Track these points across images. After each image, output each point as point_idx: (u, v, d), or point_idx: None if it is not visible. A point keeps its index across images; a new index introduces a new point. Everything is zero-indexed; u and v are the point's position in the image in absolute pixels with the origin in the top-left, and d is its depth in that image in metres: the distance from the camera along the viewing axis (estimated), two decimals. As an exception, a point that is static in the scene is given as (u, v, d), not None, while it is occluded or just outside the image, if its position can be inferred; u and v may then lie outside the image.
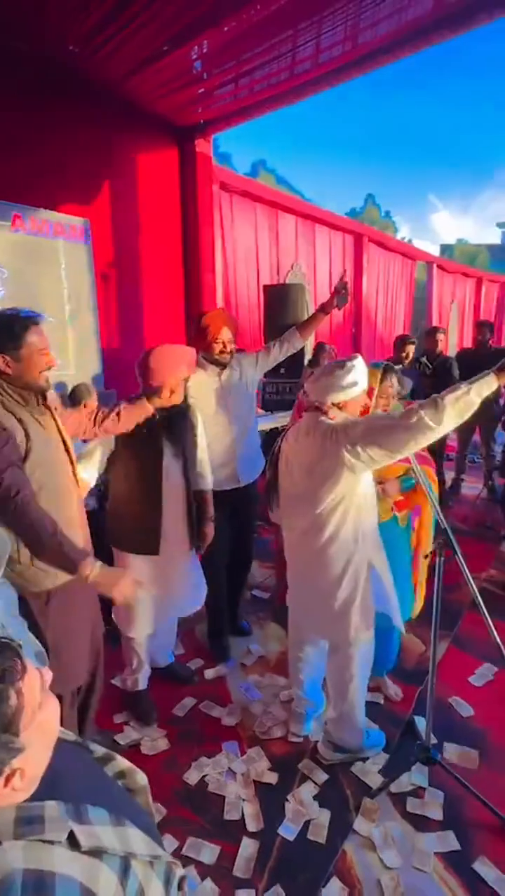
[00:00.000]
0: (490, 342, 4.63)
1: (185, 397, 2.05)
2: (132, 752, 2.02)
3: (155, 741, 2.08)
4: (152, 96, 4.84)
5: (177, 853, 1.64)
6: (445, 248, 25.81)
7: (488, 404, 4.40)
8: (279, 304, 5.05)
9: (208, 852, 1.64)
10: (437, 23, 3.85)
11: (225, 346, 2.34)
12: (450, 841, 1.65)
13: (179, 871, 0.66)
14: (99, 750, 0.75)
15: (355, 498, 1.73)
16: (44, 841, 0.52)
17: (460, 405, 1.52)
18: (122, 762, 0.77)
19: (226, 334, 2.33)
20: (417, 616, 2.32)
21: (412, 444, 1.56)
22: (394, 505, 2.14)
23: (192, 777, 1.91)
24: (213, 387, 2.39)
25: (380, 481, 2.07)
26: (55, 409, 1.64)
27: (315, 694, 2.13)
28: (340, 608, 1.80)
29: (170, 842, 1.67)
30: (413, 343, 4.29)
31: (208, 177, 5.83)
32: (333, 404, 1.72)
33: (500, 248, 29.16)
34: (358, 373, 1.70)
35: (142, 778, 0.77)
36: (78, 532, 1.64)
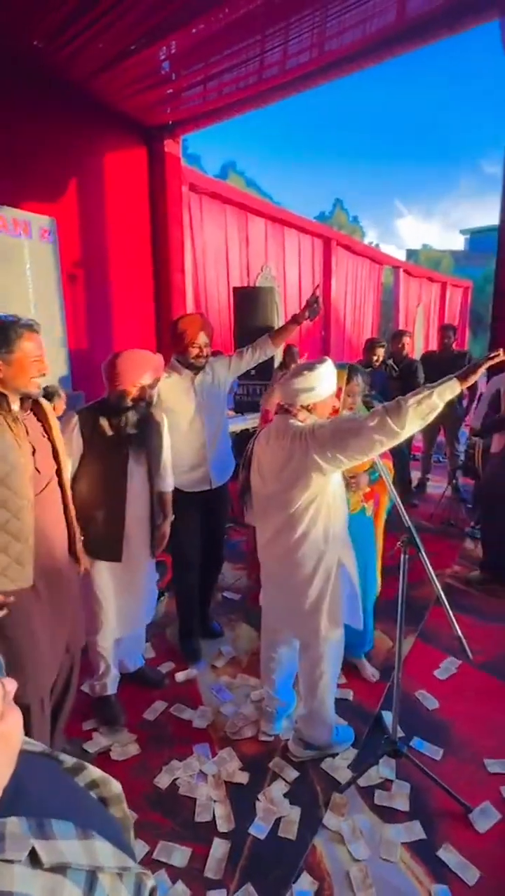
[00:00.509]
0: (453, 345, 4.77)
1: (151, 402, 2.04)
2: (102, 758, 2.00)
3: (125, 746, 2.06)
4: (120, 95, 4.80)
5: (148, 858, 1.63)
6: (411, 254, 26.45)
7: (452, 406, 4.56)
8: (249, 306, 5.09)
9: (179, 855, 1.64)
10: (400, 35, 3.96)
11: (201, 351, 2.35)
12: (416, 830, 1.70)
13: (150, 882, 0.65)
14: (69, 760, 0.74)
15: (325, 498, 1.76)
16: (3, 860, 0.51)
17: (423, 408, 1.56)
18: (93, 771, 0.76)
19: (202, 339, 2.34)
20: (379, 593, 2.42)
21: (378, 447, 1.60)
22: (363, 496, 2.21)
23: (162, 781, 1.90)
24: (186, 390, 2.39)
25: (353, 476, 2.15)
26: (48, 415, 1.65)
27: (286, 693, 2.16)
28: (310, 607, 1.83)
29: (141, 847, 1.66)
30: (382, 346, 4.38)
31: (177, 177, 5.81)
32: (302, 406, 1.75)
33: (463, 254, 30.07)
34: (326, 375, 1.73)
35: (116, 786, 0.77)
36: (53, 540, 1.63)
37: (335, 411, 1.98)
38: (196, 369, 2.38)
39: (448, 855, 1.62)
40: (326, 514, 1.77)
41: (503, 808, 1.77)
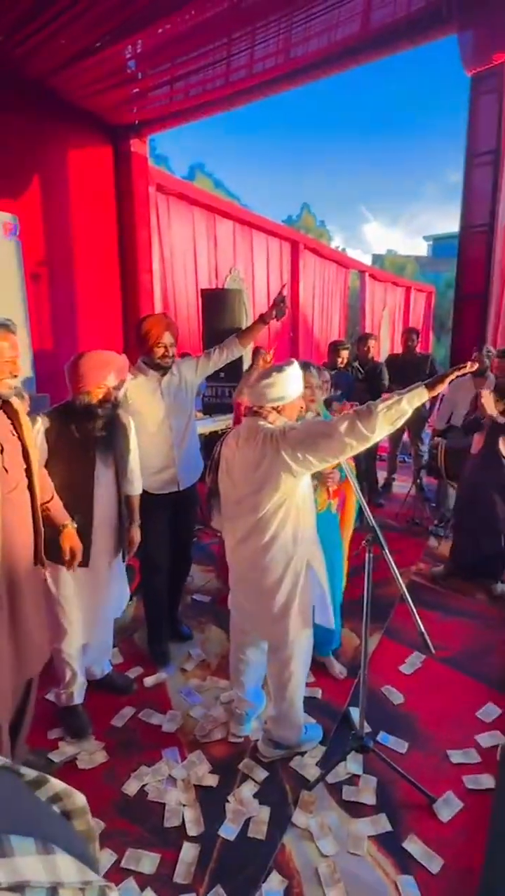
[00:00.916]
0: (417, 348, 4.91)
1: (117, 404, 2.02)
2: (68, 768, 1.96)
3: (92, 755, 2.02)
4: (85, 93, 4.73)
5: (115, 866, 1.61)
6: (376, 258, 27.01)
7: (417, 407, 4.68)
8: (217, 308, 5.08)
9: (148, 862, 1.62)
10: (364, 45, 4.05)
11: (167, 351, 2.34)
12: (383, 823, 1.73)
13: (113, 895, 0.65)
14: (30, 773, 0.72)
15: (294, 500, 1.77)
16: None
17: (392, 413, 1.60)
18: (56, 784, 0.75)
19: (167, 339, 2.33)
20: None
21: (348, 450, 1.63)
22: (328, 493, 2.25)
23: (131, 787, 1.88)
24: (153, 391, 2.37)
25: (327, 473, 2.16)
26: (19, 413, 1.61)
27: (255, 695, 2.17)
28: (279, 609, 1.84)
29: (108, 856, 1.63)
30: (346, 348, 4.45)
31: (144, 177, 5.77)
32: (272, 408, 1.76)
33: (427, 260, 30.91)
34: (293, 377, 1.75)
35: (79, 799, 0.75)
36: (18, 544, 1.59)
37: (302, 411, 2.02)
38: (162, 370, 2.37)
39: (413, 846, 1.66)
40: (295, 517, 1.79)
41: (465, 797, 1.83)
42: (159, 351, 2.32)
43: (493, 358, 3.72)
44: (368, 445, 1.64)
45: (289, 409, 1.81)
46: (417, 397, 1.63)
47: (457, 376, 1.70)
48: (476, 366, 3.05)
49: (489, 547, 3.21)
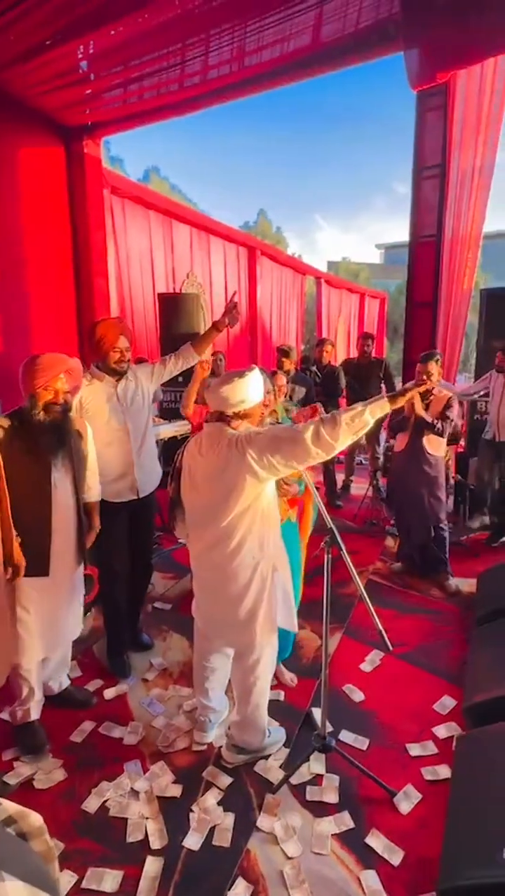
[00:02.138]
0: (372, 352, 5.05)
1: (69, 409, 1.98)
2: (24, 789, 1.88)
3: (49, 773, 1.95)
4: (35, 91, 4.61)
5: (76, 888, 1.56)
6: (331, 265, 27.59)
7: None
8: (175, 313, 5.06)
9: (110, 880, 1.58)
10: (315, 57, 4.15)
11: (122, 355, 2.31)
12: (346, 821, 1.76)
13: None
14: None
15: (260, 505, 1.77)
16: None
17: (356, 424, 1.65)
18: (9, 807, 0.72)
19: (122, 343, 2.30)
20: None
21: (313, 456, 1.66)
22: (287, 503, 2.26)
23: (91, 805, 1.83)
24: (109, 397, 2.33)
25: (286, 483, 2.19)
26: None
27: (220, 701, 2.16)
28: (246, 616, 1.83)
29: (68, 877, 1.58)
30: (288, 355, 4.40)
31: (98, 180, 5.67)
32: (234, 414, 1.75)
33: (379, 267, 31.86)
34: (256, 382, 1.75)
35: (35, 819, 0.73)
36: None
37: (262, 416, 2.04)
38: (118, 375, 2.33)
39: (375, 840, 1.69)
40: (261, 522, 1.79)
41: (424, 788, 1.88)
42: (115, 356, 2.29)
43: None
44: (331, 454, 1.68)
45: (252, 414, 1.81)
46: (379, 409, 1.69)
47: (418, 392, 1.80)
48: (436, 383, 3.24)
49: (420, 539, 3.40)
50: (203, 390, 3.82)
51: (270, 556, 1.83)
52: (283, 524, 2.18)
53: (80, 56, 4.17)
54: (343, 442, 1.66)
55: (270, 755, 2.02)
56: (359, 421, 1.65)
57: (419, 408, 3.19)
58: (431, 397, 3.30)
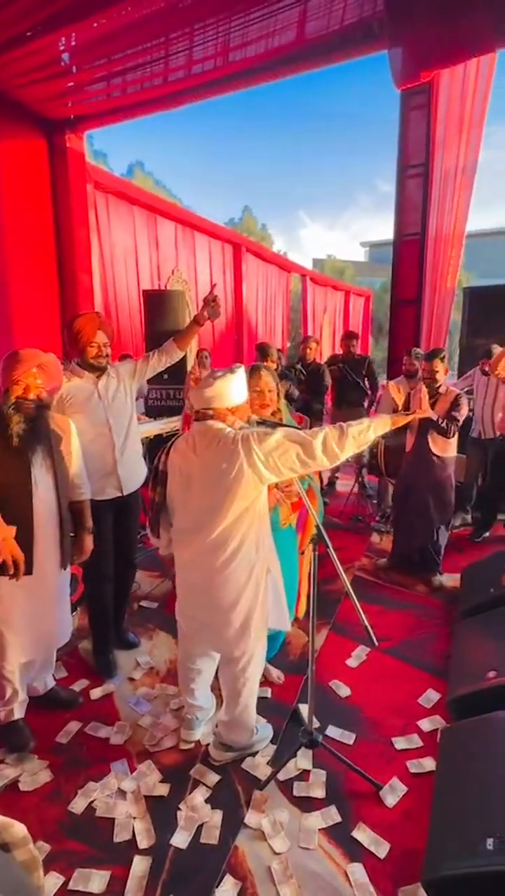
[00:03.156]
0: (356, 350, 5.07)
1: (43, 405, 1.94)
2: (10, 792, 1.86)
3: (35, 775, 1.93)
4: (16, 83, 4.53)
5: (63, 890, 1.55)
6: (317, 263, 27.63)
7: (359, 406, 4.84)
8: (160, 309, 5.01)
9: (98, 880, 1.57)
10: (300, 54, 4.15)
11: (100, 350, 2.28)
12: (332, 815, 1.78)
13: None
14: None
15: (259, 505, 1.75)
16: None
17: (361, 438, 1.71)
18: None
19: (101, 338, 2.27)
20: (302, 615, 2.45)
21: (317, 465, 1.68)
22: (291, 507, 2.21)
23: (78, 806, 1.81)
24: (90, 393, 2.30)
25: (288, 485, 2.10)
26: None
27: (206, 699, 2.15)
28: (240, 623, 1.80)
29: (55, 879, 1.57)
30: (270, 354, 4.38)
31: (81, 174, 5.60)
32: (228, 409, 1.74)
33: (365, 265, 32.01)
34: (239, 381, 1.75)
35: (19, 830, 0.73)
36: None
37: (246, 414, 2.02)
38: (97, 370, 2.31)
39: (361, 833, 1.71)
40: (259, 523, 1.77)
41: (409, 781, 1.91)
42: (92, 351, 2.26)
43: (420, 360, 3.92)
44: (334, 464, 1.70)
45: (241, 412, 1.79)
46: (381, 427, 1.77)
47: (418, 418, 1.86)
48: (442, 381, 3.21)
49: (423, 540, 3.38)
50: (187, 391, 3.78)
51: (264, 557, 1.82)
52: (284, 529, 2.18)
53: (61, 48, 4.10)
54: (347, 453, 1.69)
55: (257, 752, 2.03)
56: (364, 436, 1.71)
57: (426, 405, 3.07)
58: (438, 395, 3.24)
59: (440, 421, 3.15)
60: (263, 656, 1.98)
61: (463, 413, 3.21)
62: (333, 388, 5.00)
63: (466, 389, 4.42)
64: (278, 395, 2.27)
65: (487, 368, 4.08)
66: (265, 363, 4.17)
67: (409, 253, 4.48)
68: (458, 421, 3.18)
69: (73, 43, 4.04)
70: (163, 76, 4.48)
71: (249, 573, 1.78)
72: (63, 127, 5.34)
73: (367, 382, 4.99)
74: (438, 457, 3.26)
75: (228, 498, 1.67)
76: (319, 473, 4.90)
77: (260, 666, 1.96)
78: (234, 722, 1.97)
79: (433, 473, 3.28)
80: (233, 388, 1.73)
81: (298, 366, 4.67)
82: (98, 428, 2.31)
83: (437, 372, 3.21)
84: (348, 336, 5.13)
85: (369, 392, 5.04)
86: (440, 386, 3.27)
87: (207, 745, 2.06)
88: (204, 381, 1.73)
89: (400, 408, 3.63)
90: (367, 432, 1.70)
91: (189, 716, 2.11)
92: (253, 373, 2.17)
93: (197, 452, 1.74)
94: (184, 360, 4.87)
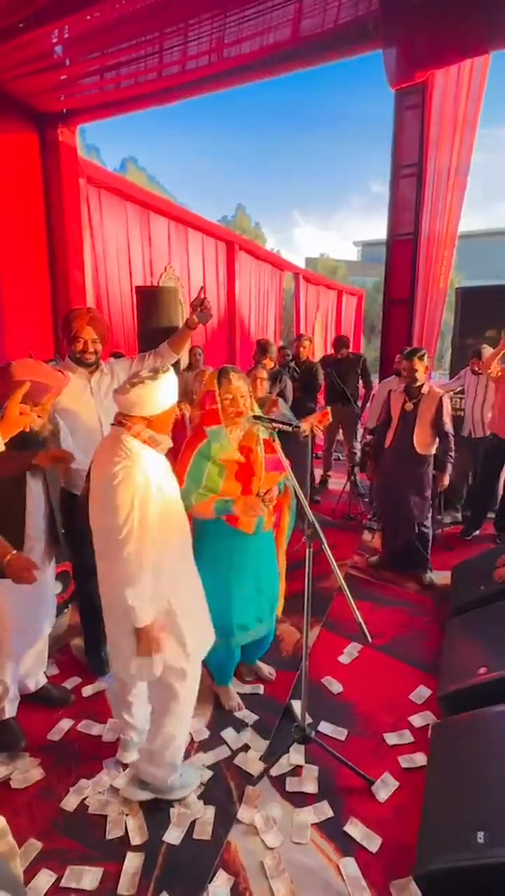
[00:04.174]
0: (348, 354, 5.06)
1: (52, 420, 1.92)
2: (1, 789, 1.85)
3: (27, 773, 1.92)
4: (7, 75, 4.48)
5: (54, 887, 1.54)
6: (309, 261, 27.65)
7: (350, 407, 4.85)
8: (152, 306, 4.97)
9: (90, 877, 1.57)
10: (294, 52, 4.15)
11: (87, 346, 2.27)
12: (325, 810, 1.79)
13: None
14: None
15: (145, 532, 1.51)
16: None
17: None
18: None
19: (88, 333, 2.26)
20: (282, 611, 2.39)
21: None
22: (273, 511, 2.15)
23: (70, 803, 1.81)
24: (83, 389, 2.29)
25: (267, 491, 2.02)
26: None
27: (144, 720, 1.92)
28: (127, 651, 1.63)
29: (47, 877, 1.56)
30: (267, 352, 4.39)
31: (74, 168, 5.55)
32: (141, 417, 1.56)
33: (357, 264, 32.11)
34: (170, 385, 1.58)
35: None
36: None
37: (181, 418, 1.92)
38: (88, 366, 2.30)
39: (354, 828, 1.72)
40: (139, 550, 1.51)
41: (401, 776, 1.92)
42: (78, 346, 2.26)
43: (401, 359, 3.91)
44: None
45: (159, 421, 1.59)
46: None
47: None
48: (422, 380, 3.20)
49: (405, 536, 3.42)
50: (190, 381, 3.74)
51: (163, 587, 1.61)
52: (265, 533, 2.17)
53: (54, 40, 4.07)
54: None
55: (175, 799, 1.80)
56: None
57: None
58: (420, 395, 3.25)
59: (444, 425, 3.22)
60: (193, 691, 1.76)
61: (447, 414, 3.27)
62: (325, 388, 5.01)
63: (458, 390, 4.46)
64: (252, 393, 2.07)
65: (477, 368, 4.11)
66: (263, 360, 4.18)
67: (402, 252, 4.49)
68: (446, 423, 3.24)
69: (67, 35, 4.01)
70: (157, 71, 4.46)
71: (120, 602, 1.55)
72: (55, 120, 5.29)
73: (361, 381, 5.01)
74: (418, 454, 3.29)
75: (101, 516, 1.55)
76: (312, 472, 4.93)
77: (189, 703, 1.75)
78: (154, 753, 1.76)
79: (413, 470, 3.32)
80: (152, 396, 1.53)
81: (292, 364, 4.67)
82: (90, 424, 2.30)
83: (416, 371, 3.20)
84: (339, 342, 5.08)
85: (364, 389, 5.06)
86: (422, 386, 3.27)
87: (200, 741, 2.06)
88: (122, 386, 1.55)
89: (380, 411, 3.63)
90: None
91: (125, 736, 1.96)
92: (222, 377, 1.97)
93: (95, 461, 1.60)
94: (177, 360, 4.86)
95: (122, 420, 1.58)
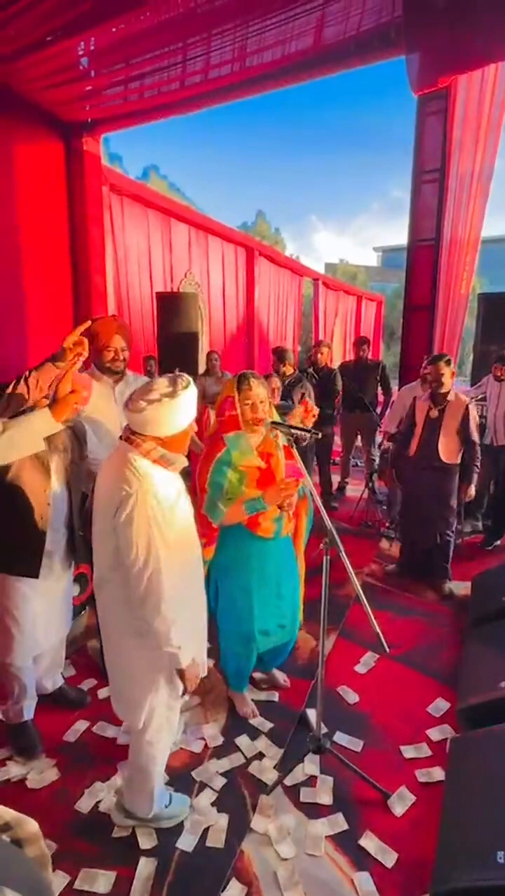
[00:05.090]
0: (368, 356, 5.06)
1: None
2: (16, 787, 1.87)
3: (42, 773, 1.94)
4: (35, 86, 4.59)
5: (68, 888, 1.55)
6: (329, 267, 27.62)
7: (369, 413, 4.82)
8: (173, 311, 5.03)
9: (104, 881, 1.57)
10: (317, 59, 4.16)
11: (117, 354, 2.29)
12: (339, 822, 1.76)
13: None
14: None
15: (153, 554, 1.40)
16: None
17: None
18: (5, 812, 0.72)
19: (118, 342, 2.28)
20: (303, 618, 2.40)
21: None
22: (291, 516, 2.14)
23: (84, 805, 1.82)
24: (107, 397, 2.32)
25: (287, 496, 1.97)
26: None
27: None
28: (138, 692, 1.55)
29: (61, 878, 1.57)
30: (286, 359, 4.37)
31: (97, 176, 5.65)
32: (154, 437, 1.44)
33: (377, 270, 31.98)
34: (189, 402, 1.44)
35: (31, 826, 0.73)
36: None
37: (230, 424, 1.94)
38: (114, 374, 2.32)
39: (369, 842, 1.69)
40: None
41: (418, 790, 1.89)
42: (108, 355, 2.27)
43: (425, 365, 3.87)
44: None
45: (176, 441, 1.46)
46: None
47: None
48: (450, 386, 3.16)
49: (425, 544, 3.36)
50: (208, 387, 3.76)
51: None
52: (284, 539, 2.16)
53: (80, 52, 4.16)
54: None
55: (164, 826, 1.73)
56: None
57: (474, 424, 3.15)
58: (445, 402, 3.20)
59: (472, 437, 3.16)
60: (161, 724, 1.62)
61: (473, 422, 3.19)
62: (343, 395, 4.99)
63: (480, 397, 4.39)
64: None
65: (500, 374, 4.04)
66: (283, 368, 4.19)
67: (423, 258, 4.45)
68: (472, 430, 3.16)
69: (92, 47, 4.09)
70: (179, 80, 4.52)
71: (121, 628, 1.50)
72: (80, 130, 5.40)
73: (380, 387, 4.98)
74: (444, 463, 3.22)
75: (105, 538, 1.45)
76: (329, 478, 4.90)
77: (165, 731, 1.63)
78: (133, 781, 1.70)
79: (437, 479, 3.25)
80: (168, 416, 1.40)
81: (310, 370, 4.66)
82: (113, 432, 2.32)
83: (442, 375, 3.11)
84: (360, 342, 5.11)
85: (384, 396, 5.03)
86: (448, 392, 3.21)
87: (215, 746, 2.05)
88: (134, 403, 1.41)
89: (402, 418, 3.58)
90: None
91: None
92: (242, 383, 1.96)
93: (103, 474, 1.50)
94: (195, 362, 4.89)
95: (131, 437, 1.44)
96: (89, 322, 1.84)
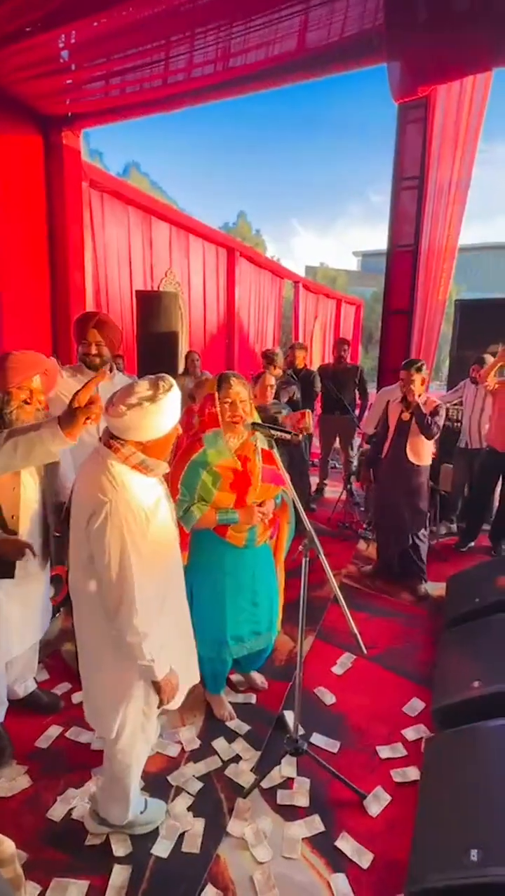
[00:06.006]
0: (347, 358, 5.10)
1: (41, 408, 1.90)
2: (-14, 797, 1.82)
3: (13, 781, 1.89)
4: (12, 78, 4.49)
5: (39, 900, 1.51)
6: (309, 270, 27.82)
7: (348, 415, 4.86)
8: (153, 310, 4.98)
9: (75, 890, 1.54)
10: (299, 63, 4.18)
11: (89, 349, 2.28)
12: (316, 824, 1.76)
13: None
14: None
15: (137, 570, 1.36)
16: None
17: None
18: None
19: (94, 336, 2.27)
20: (282, 626, 2.38)
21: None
22: (267, 525, 2.14)
23: (56, 812, 1.78)
24: None
25: (260, 503, 2.01)
26: None
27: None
28: (111, 701, 1.52)
29: (32, 889, 1.53)
30: (270, 359, 4.38)
31: (77, 172, 5.56)
32: (134, 442, 1.38)
33: (356, 274, 32.36)
34: (174, 406, 1.39)
35: (8, 847, 0.71)
36: None
37: (181, 440, 1.90)
38: (93, 368, 2.30)
39: (345, 843, 1.70)
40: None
41: (393, 790, 1.90)
42: (82, 349, 2.28)
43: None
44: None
45: (158, 446, 1.42)
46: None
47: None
48: (419, 392, 3.18)
49: (397, 545, 3.41)
50: (194, 389, 3.75)
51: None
52: (261, 547, 2.15)
53: (61, 45, 4.08)
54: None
55: (140, 833, 1.70)
56: None
57: (412, 396, 3.12)
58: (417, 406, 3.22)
59: (427, 419, 3.09)
60: (134, 733, 1.57)
61: (441, 421, 3.21)
62: (322, 397, 5.03)
63: (455, 402, 4.47)
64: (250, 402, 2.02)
65: (476, 376, 4.13)
66: (270, 369, 4.18)
67: (402, 264, 4.52)
68: (438, 422, 3.16)
69: (73, 41, 4.03)
70: (162, 78, 4.48)
71: (96, 636, 1.46)
72: (60, 124, 5.30)
73: (357, 391, 5.03)
74: (412, 464, 3.27)
75: (80, 545, 1.40)
76: (308, 480, 4.92)
77: (139, 741, 1.59)
78: (106, 789, 1.67)
79: (407, 480, 3.30)
80: (151, 421, 1.34)
81: (289, 372, 4.68)
82: (90, 428, 2.28)
83: (413, 382, 3.15)
84: (340, 343, 5.17)
85: (360, 400, 5.08)
86: (419, 397, 3.25)
87: (192, 750, 2.03)
88: (114, 407, 1.34)
89: (377, 422, 3.62)
90: None
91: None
92: (223, 382, 1.96)
93: (79, 476, 1.46)
94: (175, 361, 4.86)
95: (110, 442, 1.38)
96: (100, 378, 1.57)
